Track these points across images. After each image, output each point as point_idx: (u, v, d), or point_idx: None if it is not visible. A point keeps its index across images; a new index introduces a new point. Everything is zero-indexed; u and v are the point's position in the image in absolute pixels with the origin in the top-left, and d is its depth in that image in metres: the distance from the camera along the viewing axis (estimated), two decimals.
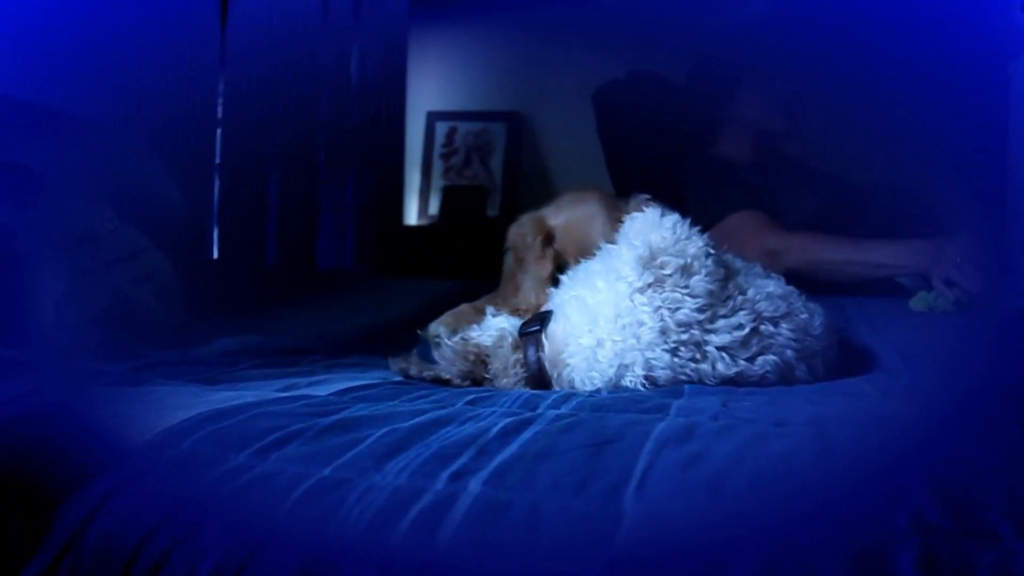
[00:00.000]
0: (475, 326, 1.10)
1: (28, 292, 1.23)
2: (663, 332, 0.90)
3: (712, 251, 0.97)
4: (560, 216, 1.29)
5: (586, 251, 1.20)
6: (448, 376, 1.05)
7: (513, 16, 2.76)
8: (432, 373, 1.07)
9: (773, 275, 1.06)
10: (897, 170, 1.99)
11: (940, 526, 0.52)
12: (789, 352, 0.95)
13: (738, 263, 1.04)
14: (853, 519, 0.53)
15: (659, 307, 0.90)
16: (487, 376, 1.04)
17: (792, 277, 1.10)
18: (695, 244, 0.96)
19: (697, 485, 0.58)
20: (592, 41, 2.60)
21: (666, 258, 0.93)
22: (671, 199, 1.96)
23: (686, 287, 0.91)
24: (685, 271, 0.92)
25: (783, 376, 0.97)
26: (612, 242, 1.05)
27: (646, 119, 2.19)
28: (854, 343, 1.19)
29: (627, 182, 2.20)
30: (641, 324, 0.90)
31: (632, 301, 0.91)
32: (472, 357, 1.04)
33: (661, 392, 0.92)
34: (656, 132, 2.16)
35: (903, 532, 0.51)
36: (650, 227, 0.99)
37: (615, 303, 0.92)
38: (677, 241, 0.95)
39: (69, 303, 1.27)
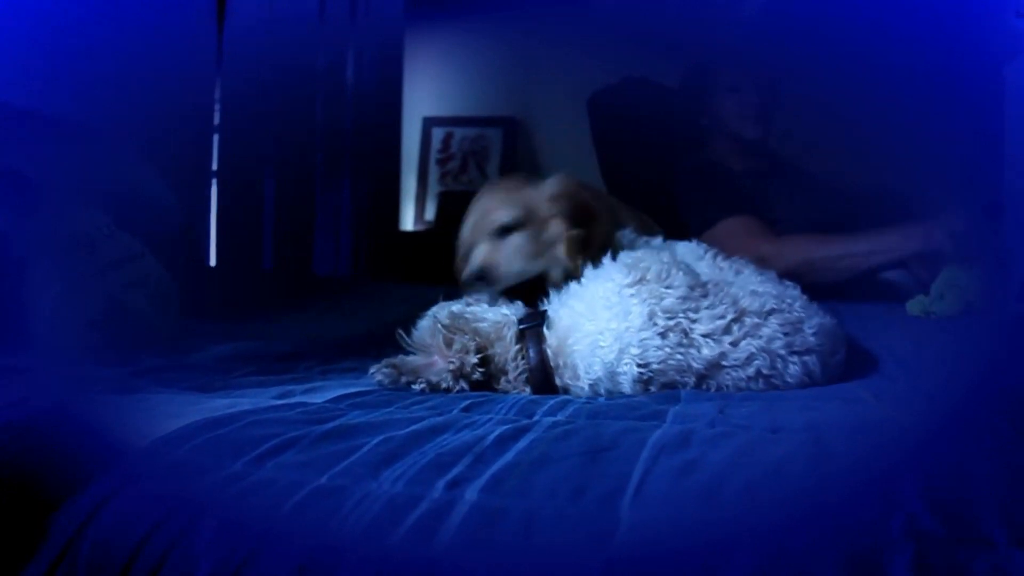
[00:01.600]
0: (469, 309, 1.09)
1: (24, 297, 1.23)
2: (651, 316, 0.99)
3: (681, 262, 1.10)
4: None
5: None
6: (435, 379, 1.01)
7: (509, 22, 2.77)
8: (422, 381, 1.02)
9: (769, 277, 1.11)
10: (892, 173, 1.99)
11: (934, 532, 0.52)
12: (777, 343, 1.00)
13: (731, 266, 1.13)
14: (847, 525, 0.53)
15: (646, 298, 1.00)
16: (478, 366, 1.01)
17: (787, 280, 1.12)
18: (667, 256, 1.09)
19: (693, 492, 0.58)
20: (587, 47, 2.60)
21: (646, 263, 1.05)
22: (665, 204, 1.99)
23: (667, 285, 1.01)
24: (663, 273, 1.04)
25: (773, 366, 1.00)
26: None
27: (640, 124, 2.20)
28: (850, 348, 1.19)
29: (621, 187, 2.21)
30: (630, 312, 0.99)
31: (621, 295, 1.01)
32: (469, 344, 1.02)
33: (658, 398, 0.93)
34: (650, 137, 2.17)
35: (897, 538, 0.51)
36: (624, 254, 1.13)
37: (606, 298, 1.02)
38: (649, 255, 1.09)
39: (65, 308, 1.27)
